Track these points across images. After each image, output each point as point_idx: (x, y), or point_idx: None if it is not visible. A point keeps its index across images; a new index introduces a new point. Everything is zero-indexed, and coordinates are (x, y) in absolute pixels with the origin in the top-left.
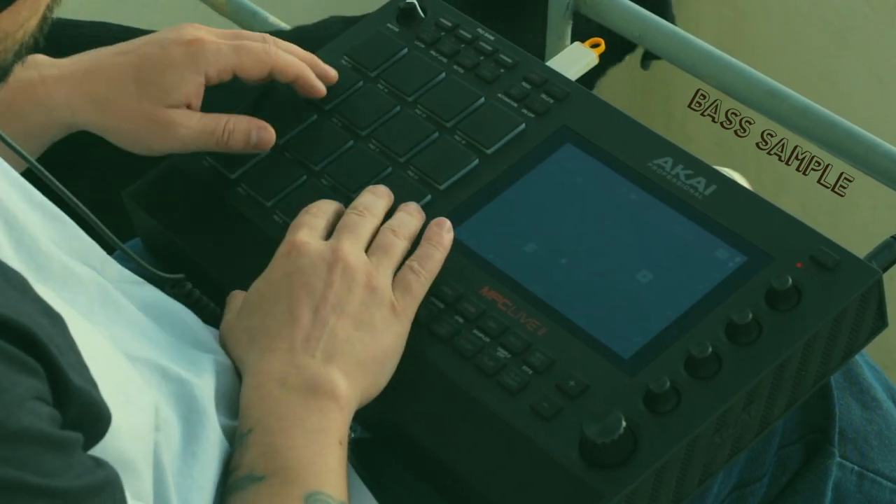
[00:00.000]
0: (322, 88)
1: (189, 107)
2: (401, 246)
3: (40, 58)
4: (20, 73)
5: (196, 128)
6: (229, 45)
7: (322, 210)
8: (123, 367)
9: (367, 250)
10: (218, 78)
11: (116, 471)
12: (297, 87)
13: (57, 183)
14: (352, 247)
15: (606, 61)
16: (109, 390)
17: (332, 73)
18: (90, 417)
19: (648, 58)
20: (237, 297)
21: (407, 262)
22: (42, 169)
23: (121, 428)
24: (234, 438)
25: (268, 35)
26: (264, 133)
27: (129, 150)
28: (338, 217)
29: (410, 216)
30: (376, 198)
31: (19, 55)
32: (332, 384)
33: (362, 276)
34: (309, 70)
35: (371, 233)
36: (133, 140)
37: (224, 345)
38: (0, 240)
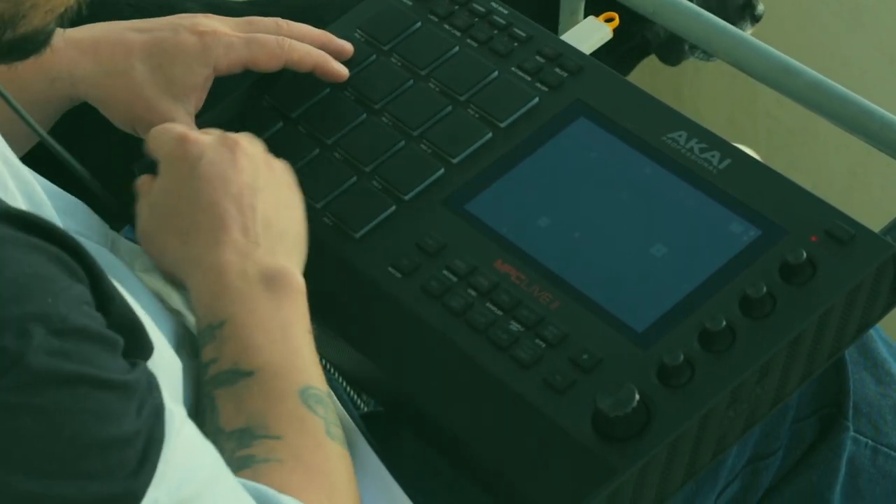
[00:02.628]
0: (343, 72)
1: (192, 99)
2: None
3: None
4: None
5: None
6: (242, 38)
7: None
8: (148, 322)
9: None
10: (228, 70)
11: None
12: (316, 74)
13: (67, 155)
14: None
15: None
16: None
17: (348, 47)
18: (130, 335)
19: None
20: (144, 192)
21: None
22: (51, 140)
23: (158, 364)
24: (201, 331)
25: (281, 20)
26: None
27: (115, 123)
28: None
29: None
30: None
31: (63, 18)
32: (286, 273)
33: (260, 154)
34: (325, 57)
35: None
36: (121, 117)
37: (148, 251)
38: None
